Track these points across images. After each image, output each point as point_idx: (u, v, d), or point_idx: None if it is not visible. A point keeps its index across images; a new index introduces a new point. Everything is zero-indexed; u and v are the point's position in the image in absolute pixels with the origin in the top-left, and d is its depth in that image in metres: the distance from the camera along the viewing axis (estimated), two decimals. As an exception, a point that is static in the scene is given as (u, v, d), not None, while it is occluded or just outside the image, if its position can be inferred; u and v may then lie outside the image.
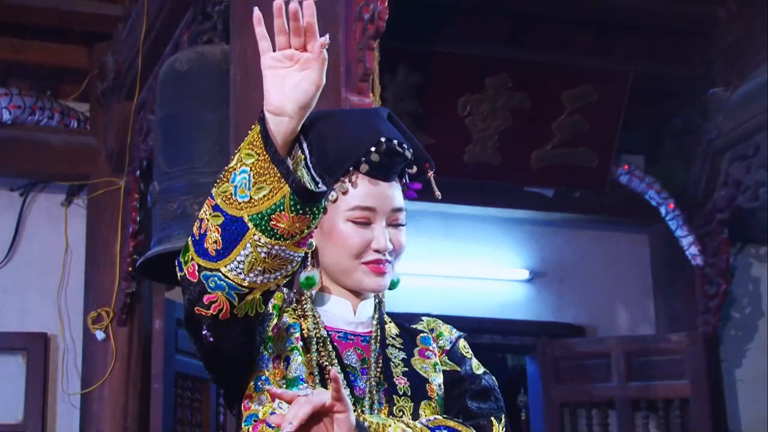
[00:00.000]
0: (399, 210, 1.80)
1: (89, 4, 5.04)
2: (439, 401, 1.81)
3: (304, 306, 1.81)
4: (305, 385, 1.71)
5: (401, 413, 1.75)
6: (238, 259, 1.57)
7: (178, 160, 3.69)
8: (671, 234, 5.75)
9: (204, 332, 1.64)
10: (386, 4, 2.86)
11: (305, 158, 1.62)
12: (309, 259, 1.79)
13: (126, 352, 4.94)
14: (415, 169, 1.84)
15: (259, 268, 1.58)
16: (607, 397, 5.77)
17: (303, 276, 1.79)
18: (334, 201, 1.76)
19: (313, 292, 1.82)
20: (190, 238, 1.61)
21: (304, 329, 1.77)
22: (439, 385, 1.82)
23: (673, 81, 5.71)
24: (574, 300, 6.12)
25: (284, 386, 1.69)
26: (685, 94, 5.73)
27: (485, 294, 5.99)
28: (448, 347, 1.89)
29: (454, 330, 1.94)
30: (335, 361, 1.76)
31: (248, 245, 1.57)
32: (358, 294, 1.83)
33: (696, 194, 5.74)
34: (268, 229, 1.56)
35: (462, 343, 1.91)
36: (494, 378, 1.90)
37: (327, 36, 1.58)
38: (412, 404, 1.76)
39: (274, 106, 1.58)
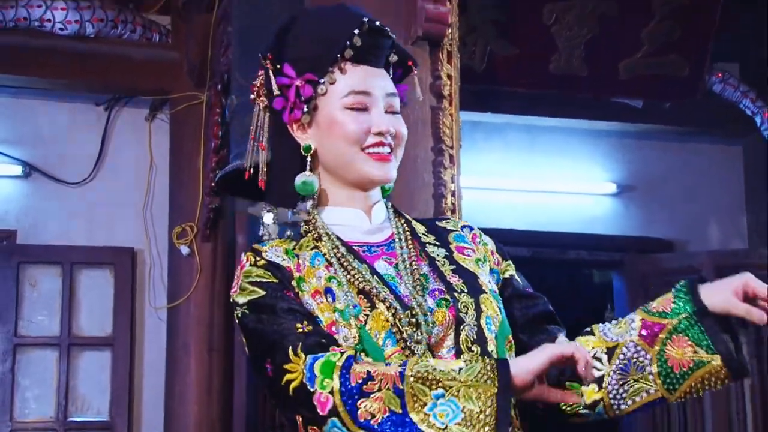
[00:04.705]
0: (394, 95, 1.75)
1: None
2: (493, 295, 1.73)
3: (316, 225, 1.73)
4: (360, 309, 1.63)
5: (466, 309, 1.67)
6: None
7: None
8: (766, 145, 5.54)
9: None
10: None
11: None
12: (308, 164, 1.74)
13: (210, 266, 4.87)
14: (395, 57, 1.79)
15: None
16: (696, 313, 5.59)
17: (300, 180, 1.73)
18: (324, 94, 1.72)
19: (319, 209, 1.75)
20: (340, 370, 1.53)
21: (325, 252, 1.69)
22: (488, 281, 1.75)
23: (772, -16, 5.41)
24: (663, 214, 5.94)
25: (338, 318, 1.62)
26: (784, -3, 5.43)
27: (571, 208, 5.84)
28: (493, 246, 1.83)
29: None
30: (371, 276, 1.66)
31: None
32: (367, 196, 1.76)
33: (793, 102, 5.50)
34: None
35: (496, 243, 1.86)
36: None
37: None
38: (473, 300, 1.68)
39: (522, 382, 1.52)
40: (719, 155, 6.03)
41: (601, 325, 1.74)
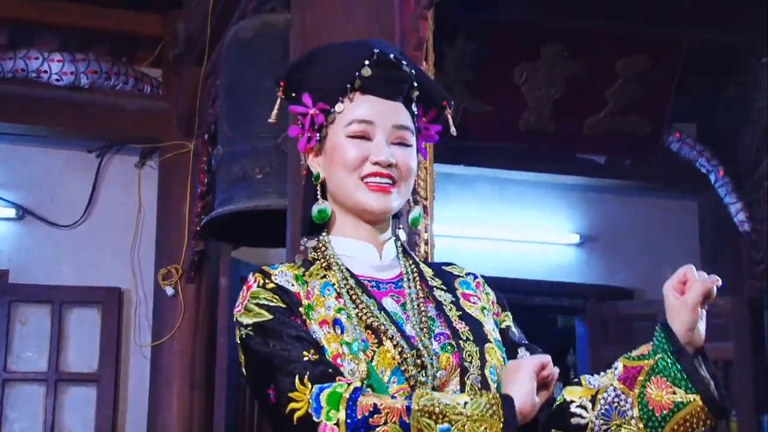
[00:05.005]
0: (403, 128, 1.66)
1: (162, -27, 4.96)
2: (497, 345, 1.65)
3: (326, 253, 1.65)
4: (367, 344, 1.54)
5: (470, 358, 1.58)
6: None
7: (241, 125, 3.58)
8: (720, 201, 5.57)
9: None
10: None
11: None
12: (319, 192, 1.68)
13: (194, 307, 4.86)
14: (417, 93, 1.70)
15: None
16: (653, 358, 5.61)
17: (315, 209, 1.66)
18: (333, 123, 1.66)
19: (331, 237, 1.68)
20: (347, 402, 1.45)
21: (334, 283, 1.60)
22: (492, 330, 1.67)
23: (726, 51, 5.47)
24: (623, 264, 5.96)
25: (345, 351, 1.53)
26: (737, 63, 5.50)
27: (537, 257, 5.86)
28: (494, 297, 1.76)
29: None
30: (378, 312, 1.57)
31: None
32: (375, 230, 1.67)
33: (745, 162, 5.53)
34: None
35: (497, 293, 1.79)
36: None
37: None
38: (477, 348, 1.60)
39: (529, 411, 1.50)
40: (676, 210, 6.07)
41: (588, 375, 1.67)
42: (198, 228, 4.65)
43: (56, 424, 4.86)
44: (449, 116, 1.73)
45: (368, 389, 1.49)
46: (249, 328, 1.56)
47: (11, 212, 5.08)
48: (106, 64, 5.00)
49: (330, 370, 1.50)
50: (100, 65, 4.97)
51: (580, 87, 5.29)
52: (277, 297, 1.57)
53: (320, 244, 1.67)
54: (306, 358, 1.50)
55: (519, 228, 5.84)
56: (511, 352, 1.67)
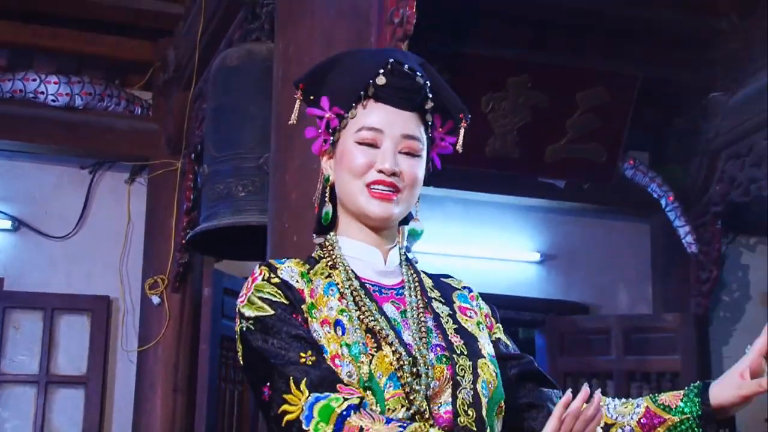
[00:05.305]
0: (412, 138, 1.58)
1: (154, 3, 4.97)
2: (491, 360, 1.57)
3: (332, 253, 1.58)
4: (367, 348, 1.47)
5: (463, 372, 1.51)
6: None
7: (226, 146, 3.61)
8: (670, 224, 5.63)
9: None
10: (414, 10, 2.74)
11: None
12: (328, 194, 1.62)
13: (178, 315, 4.89)
14: (431, 104, 1.62)
15: None
16: (606, 368, 5.65)
17: (323, 211, 1.62)
18: (345, 127, 1.60)
19: (338, 237, 1.61)
20: (337, 418, 1.37)
21: (338, 283, 1.54)
22: (487, 344, 1.60)
23: (678, 85, 5.55)
24: (580, 281, 6.00)
25: (345, 353, 1.46)
26: (688, 97, 5.57)
27: (501, 273, 5.89)
28: (488, 310, 1.70)
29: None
30: (379, 316, 1.51)
31: None
32: (379, 237, 1.61)
33: (694, 188, 5.59)
34: None
35: (491, 306, 1.74)
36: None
37: None
38: (470, 363, 1.52)
39: None
40: (630, 231, 6.11)
41: (608, 399, 1.60)
42: (184, 241, 4.67)
43: (45, 424, 4.86)
44: (462, 129, 1.65)
45: (367, 401, 1.43)
46: (250, 322, 1.50)
47: (7, 224, 5.08)
48: (100, 86, 5.02)
49: (327, 375, 1.44)
50: (93, 87, 5.00)
51: (542, 116, 5.34)
52: (281, 292, 1.52)
53: (327, 243, 1.62)
54: (302, 360, 1.44)
55: (484, 246, 5.87)
56: (499, 363, 1.61)
